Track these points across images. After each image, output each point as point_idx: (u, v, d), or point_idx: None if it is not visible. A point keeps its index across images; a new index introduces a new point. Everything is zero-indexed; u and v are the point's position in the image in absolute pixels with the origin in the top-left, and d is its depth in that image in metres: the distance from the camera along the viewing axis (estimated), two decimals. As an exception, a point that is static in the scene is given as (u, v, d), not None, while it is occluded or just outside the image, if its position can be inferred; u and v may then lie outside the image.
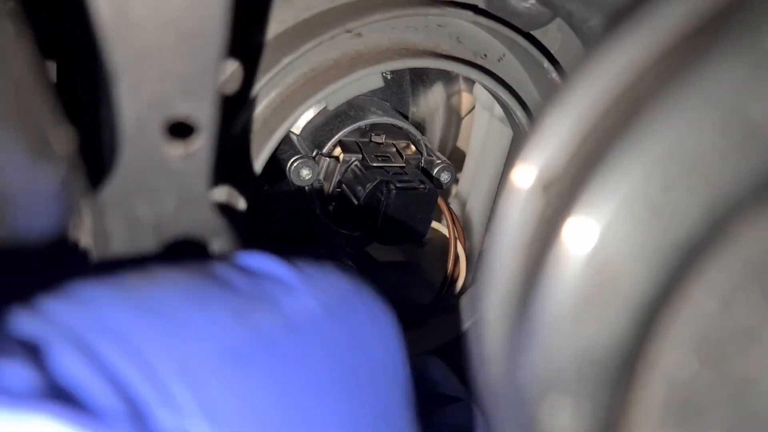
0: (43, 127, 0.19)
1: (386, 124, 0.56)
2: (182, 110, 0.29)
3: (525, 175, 0.22)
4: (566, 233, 0.19)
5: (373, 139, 0.57)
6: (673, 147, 0.17)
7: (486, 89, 0.50)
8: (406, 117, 0.61)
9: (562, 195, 0.21)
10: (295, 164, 0.52)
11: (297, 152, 0.53)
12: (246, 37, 0.42)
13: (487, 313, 0.23)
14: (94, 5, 0.26)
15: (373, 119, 0.55)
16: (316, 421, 0.27)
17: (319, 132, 0.56)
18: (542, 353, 0.18)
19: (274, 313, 0.27)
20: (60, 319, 0.22)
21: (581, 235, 0.18)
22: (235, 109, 0.38)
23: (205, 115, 0.29)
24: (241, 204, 0.34)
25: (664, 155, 0.17)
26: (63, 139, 0.20)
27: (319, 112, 0.56)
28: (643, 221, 0.17)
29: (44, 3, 0.32)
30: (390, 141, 0.57)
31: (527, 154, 0.22)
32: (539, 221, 0.22)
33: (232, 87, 0.30)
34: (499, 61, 0.50)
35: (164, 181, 0.30)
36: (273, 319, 0.27)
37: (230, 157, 0.38)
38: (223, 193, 0.33)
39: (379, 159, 0.55)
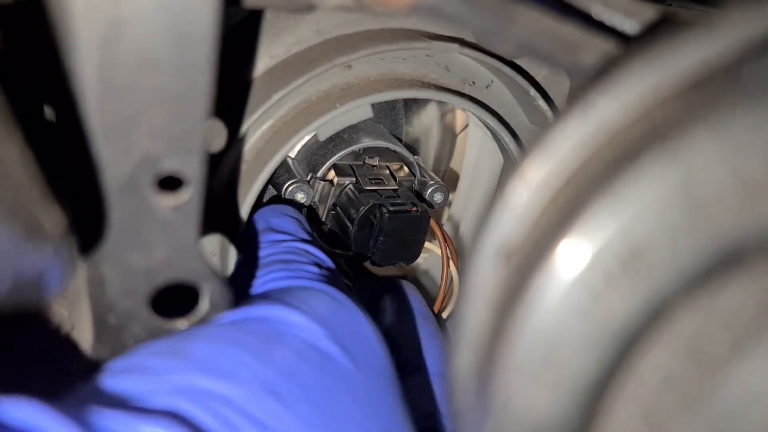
0: (34, 212, 0.20)
1: (379, 147, 0.57)
2: (171, 165, 0.30)
3: (488, 245, 0.23)
4: (522, 310, 0.20)
5: (366, 162, 0.58)
6: (614, 239, 0.18)
7: (475, 116, 0.51)
8: (399, 138, 0.62)
9: (522, 267, 0.22)
10: (290, 188, 0.53)
11: (292, 176, 0.54)
12: (235, 77, 0.43)
13: (457, 371, 0.24)
14: (79, 73, 0.27)
15: (366, 143, 0.56)
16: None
17: (314, 155, 0.57)
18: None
19: (285, 346, 0.33)
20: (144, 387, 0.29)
21: (534, 314, 0.19)
22: (221, 153, 0.40)
23: (193, 169, 0.31)
24: (232, 251, 0.36)
25: (605, 246, 0.18)
26: (54, 221, 0.21)
27: (314, 135, 0.57)
28: (585, 309, 0.18)
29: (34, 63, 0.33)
30: (383, 163, 0.58)
31: (490, 224, 0.23)
32: (504, 288, 0.23)
33: (217, 145, 0.31)
34: (487, 87, 0.51)
35: (155, 232, 0.31)
36: (286, 352, 0.33)
37: (218, 201, 0.40)
38: (213, 241, 0.34)
39: (373, 182, 0.56)
